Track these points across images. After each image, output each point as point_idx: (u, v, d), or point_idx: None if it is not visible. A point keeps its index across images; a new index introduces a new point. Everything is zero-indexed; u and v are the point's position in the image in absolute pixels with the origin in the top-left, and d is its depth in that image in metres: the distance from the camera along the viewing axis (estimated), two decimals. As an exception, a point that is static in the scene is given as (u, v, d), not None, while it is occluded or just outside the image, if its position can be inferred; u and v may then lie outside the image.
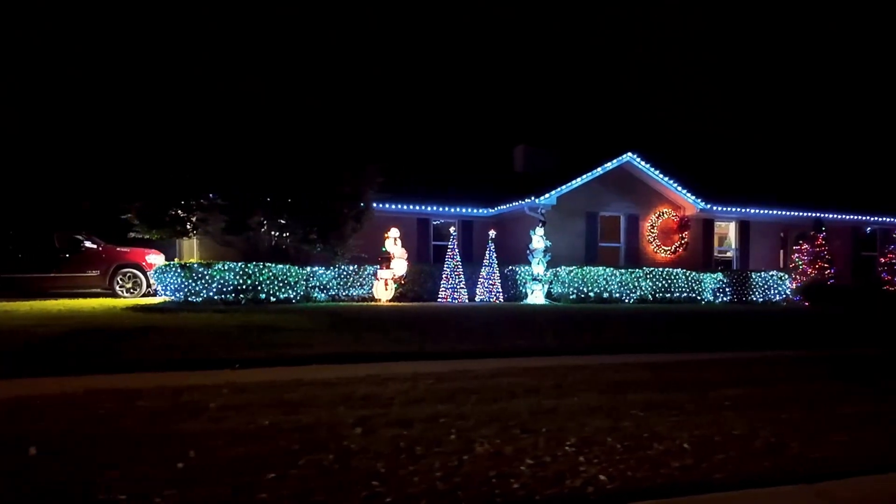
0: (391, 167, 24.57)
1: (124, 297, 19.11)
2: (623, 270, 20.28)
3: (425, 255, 23.97)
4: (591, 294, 19.94)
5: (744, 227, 25.54)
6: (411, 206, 23.45)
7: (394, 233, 19.33)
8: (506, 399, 6.62)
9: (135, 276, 19.06)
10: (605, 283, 20.01)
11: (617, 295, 20.10)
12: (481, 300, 20.53)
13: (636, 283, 20.25)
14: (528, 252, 20.66)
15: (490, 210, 24.04)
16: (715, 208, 24.36)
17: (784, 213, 25.13)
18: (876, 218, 26.89)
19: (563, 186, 22.15)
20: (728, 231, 26.00)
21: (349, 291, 19.09)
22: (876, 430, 5.78)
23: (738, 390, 7.37)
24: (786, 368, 9.18)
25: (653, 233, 23.69)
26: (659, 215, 23.79)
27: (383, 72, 48.65)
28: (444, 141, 32.45)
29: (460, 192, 24.60)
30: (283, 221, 17.71)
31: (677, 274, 20.81)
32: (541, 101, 51.96)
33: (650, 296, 20.35)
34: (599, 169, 22.76)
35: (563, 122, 46.48)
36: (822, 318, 17.27)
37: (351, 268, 19.18)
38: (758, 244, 25.48)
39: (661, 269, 20.77)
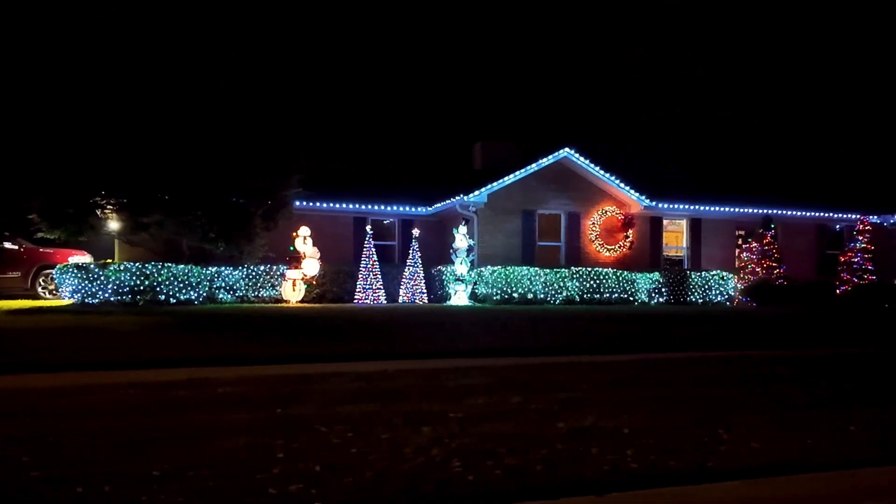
0: (325, 164, 24.07)
1: (46, 299, 18.74)
2: (548, 270, 19.49)
3: (360, 254, 23.29)
4: (516, 295, 19.17)
5: (695, 226, 24.55)
6: (346, 205, 22.81)
7: (304, 231, 18.73)
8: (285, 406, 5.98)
9: (59, 278, 18.68)
10: (528, 283, 19.23)
11: (542, 296, 19.30)
12: (404, 301, 19.88)
13: (562, 284, 19.44)
14: (451, 251, 19.96)
15: (428, 208, 23.34)
16: (661, 205, 23.43)
17: (737, 209, 24.10)
18: (840, 214, 25.74)
19: (495, 184, 21.39)
20: (681, 230, 25.04)
21: (259, 293, 18.51)
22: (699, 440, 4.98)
23: (579, 393, 6.64)
24: (673, 371, 8.39)
25: (595, 231, 22.81)
26: (601, 213, 22.91)
27: (342, 69, 47.89)
28: (404, 139, 31.75)
29: (399, 190, 23.92)
30: (182, 219, 17.17)
31: (607, 274, 19.95)
32: (507, 96, 51.08)
33: (577, 297, 19.52)
34: (534, 165, 21.96)
35: (533, 117, 45.66)
36: (753, 320, 16.38)
37: (261, 268, 18.60)
38: (711, 243, 24.45)
39: (588, 268, 19.95)
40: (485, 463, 4.24)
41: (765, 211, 23.54)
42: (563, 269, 19.60)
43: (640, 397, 6.50)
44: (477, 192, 21.15)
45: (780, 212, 24.85)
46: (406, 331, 12.13)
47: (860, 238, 23.39)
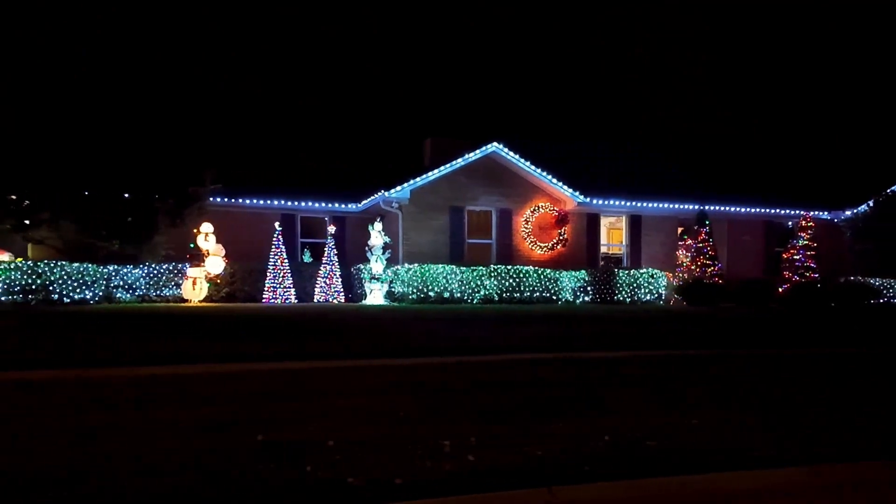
0: (254, 161, 23.45)
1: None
2: (465, 269, 18.84)
3: (292, 252, 22.67)
4: (432, 294, 18.53)
5: (635, 222, 23.87)
6: (273, 201, 22.18)
7: (206, 228, 18.10)
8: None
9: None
10: (444, 282, 18.59)
11: (458, 295, 18.66)
12: (319, 301, 19.26)
13: (479, 283, 18.79)
14: (367, 249, 19.33)
15: (358, 205, 22.71)
16: (596, 201, 22.77)
17: (677, 206, 23.40)
18: (791, 211, 25.02)
19: (418, 179, 20.77)
20: (621, 227, 24.38)
21: (162, 291, 17.91)
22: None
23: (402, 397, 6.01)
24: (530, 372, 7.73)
25: (528, 228, 22.17)
26: (534, 210, 22.26)
27: (303, 66, 47.17)
28: (358, 135, 31.01)
29: (330, 186, 23.27)
30: (77, 217, 16.59)
31: (527, 272, 19.29)
32: (458, 91, 50.39)
33: (496, 296, 18.86)
34: (460, 161, 21.32)
35: (511, 116, 45.03)
36: (657, 319, 15.68)
37: (164, 266, 18.00)
38: (651, 240, 23.78)
39: (508, 266, 19.29)
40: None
41: (699, 207, 22.83)
42: (480, 267, 18.95)
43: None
44: (399, 188, 20.53)
45: (725, 208, 24.19)
46: (256, 331, 11.48)
47: (802, 235, 22.66)
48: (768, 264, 24.78)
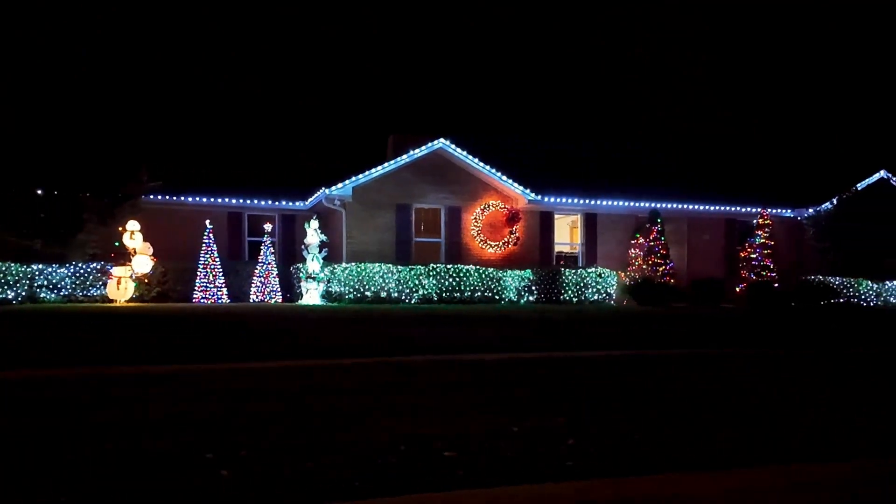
0: (197, 159, 22.99)
1: None
2: (402, 268, 18.37)
3: (238, 251, 22.21)
4: (369, 294, 18.07)
5: (590, 221, 23.35)
6: (219, 199, 21.70)
7: (132, 225, 17.63)
8: None
9: None
10: (381, 281, 18.12)
11: (396, 295, 18.18)
12: (254, 301, 18.81)
13: (417, 282, 18.31)
14: (303, 248, 18.87)
15: (305, 203, 22.23)
16: (549, 199, 22.26)
17: (633, 203, 22.84)
18: (753, 209, 24.46)
19: (360, 176, 20.30)
20: (577, 225, 23.87)
21: (89, 291, 17.44)
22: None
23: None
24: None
25: (477, 227, 21.66)
26: (485, 208, 21.75)
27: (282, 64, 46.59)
28: (319, 132, 30.52)
29: (278, 184, 22.77)
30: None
31: (468, 271, 18.81)
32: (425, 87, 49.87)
33: (435, 296, 18.38)
34: (405, 157, 20.86)
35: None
36: (593, 320, 15.18)
37: (91, 265, 17.54)
38: (608, 239, 23.21)
39: (448, 266, 18.82)
40: None
41: (655, 205, 22.35)
42: (418, 267, 18.48)
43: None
44: (340, 185, 20.06)
45: (685, 206, 23.66)
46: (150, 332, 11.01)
47: (759, 233, 22.17)
48: (730, 263, 24.20)
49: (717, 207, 24.00)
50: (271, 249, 19.13)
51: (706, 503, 3.32)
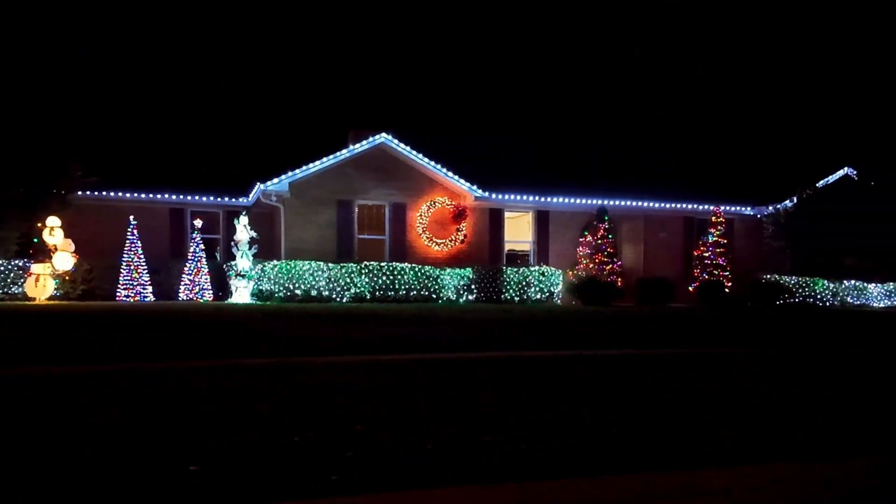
0: (139, 155, 22.44)
1: None
2: (333, 265, 17.83)
3: (181, 248, 21.63)
4: (299, 292, 17.54)
5: (542, 218, 22.78)
6: (158, 195, 21.16)
7: (52, 221, 17.08)
8: None
9: None
10: (312, 279, 17.57)
11: (327, 293, 17.64)
12: (183, 299, 18.26)
13: (349, 280, 17.76)
14: (233, 244, 18.33)
15: (247, 199, 21.68)
16: (497, 196, 21.69)
17: (585, 201, 22.25)
18: (711, 207, 23.85)
19: (298, 171, 19.75)
20: (529, 223, 23.28)
21: (10, 289, 16.93)
22: None
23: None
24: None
25: (423, 224, 21.11)
26: (431, 204, 21.20)
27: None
28: (275, 127, 29.95)
29: (221, 179, 22.16)
30: None
31: (402, 269, 18.26)
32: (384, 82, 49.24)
33: (368, 294, 17.83)
34: (345, 152, 20.34)
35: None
36: (517, 320, 14.63)
37: (12, 262, 17.02)
38: (561, 237, 22.62)
39: (382, 263, 18.28)
40: None
41: (601, 202, 21.78)
42: (350, 264, 17.94)
43: None
44: (276, 181, 19.52)
45: (638, 203, 23.10)
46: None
47: (712, 231, 21.58)
48: (687, 262, 23.62)
49: (674, 205, 23.42)
50: (201, 246, 18.57)
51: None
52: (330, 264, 17.79)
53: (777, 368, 9.08)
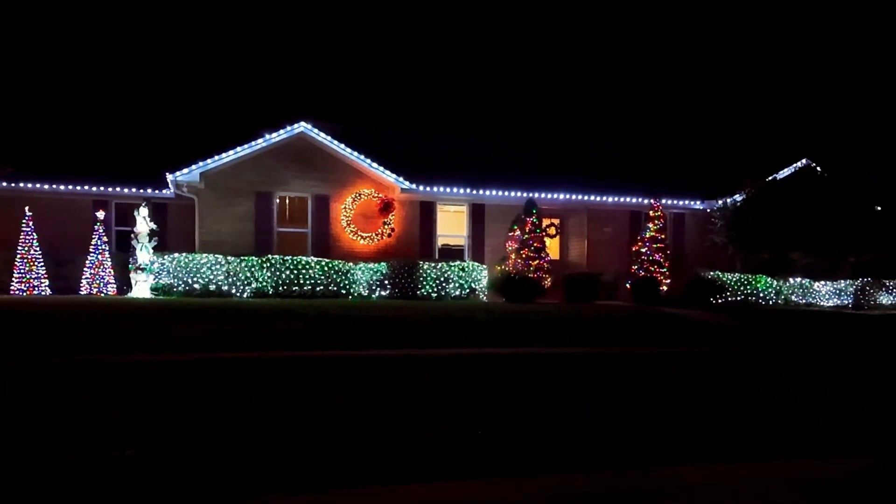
0: (63, 145, 21.87)
1: None
2: (232, 259, 17.08)
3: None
4: (197, 286, 16.81)
5: (477, 212, 21.88)
6: (79, 187, 20.52)
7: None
8: None
9: None
10: (210, 273, 16.85)
11: (226, 288, 16.90)
12: (82, 293, 17.61)
13: (250, 274, 17.01)
14: (132, 237, 17.65)
15: (169, 191, 20.98)
16: (427, 188, 20.84)
17: (521, 194, 21.26)
18: (658, 200, 22.78)
19: (209, 161, 19.04)
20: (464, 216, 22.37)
21: None
22: None
23: None
24: None
25: (348, 216, 20.32)
26: (356, 196, 20.40)
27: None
28: (216, 119, 28.96)
29: (147, 171, 21.47)
30: None
31: (308, 263, 17.46)
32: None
33: (270, 289, 17.06)
34: (261, 141, 19.55)
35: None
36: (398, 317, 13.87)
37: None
38: (496, 231, 21.68)
39: (285, 257, 17.48)
40: None
41: (529, 194, 20.82)
42: (251, 258, 17.17)
43: None
44: (186, 171, 18.83)
45: (581, 197, 22.16)
46: None
47: (650, 225, 20.54)
48: (630, 258, 22.60)
49: (617, 198, 22.42)
50: (104, 239, 17.90)
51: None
52: (229, 258, 17.04)
53: (598, 367, 9.26)
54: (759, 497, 3.88)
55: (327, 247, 20.12)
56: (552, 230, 23.95)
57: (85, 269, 17.73)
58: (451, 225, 22.65)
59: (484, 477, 3.81)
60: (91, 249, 17.82)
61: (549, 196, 21.77)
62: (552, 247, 24.21)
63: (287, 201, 20.37)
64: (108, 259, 17.90)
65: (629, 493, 3.86)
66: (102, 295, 17.51)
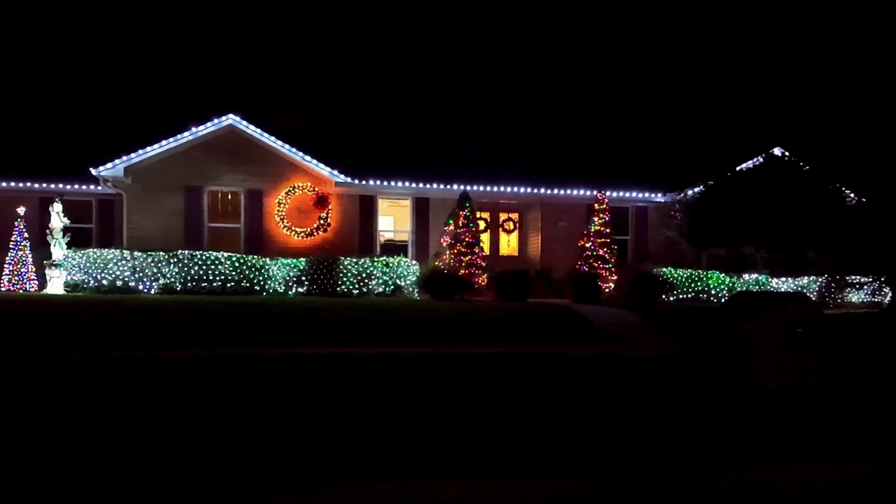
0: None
1: None
2: (139, 254, 16.68)
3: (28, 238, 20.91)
4: (105, 282, 16.49)
5: (421, 207, 21.04)
6: (21, 183, 20.50)
7: None
8: None
9: None
10: (116, 269, 16.49)
11: (133, 283, 16.52)
12: (5, 290, 17.51)
13: (157, 270, 16.58)
14: (47, 232, 17.46)
15: (101, 187, 20.72)
16: (365, 182, 20.11)
17: (463, 187, 20.29)
18: (616, 193, 21.58)
19: (133, 155, 18.70)
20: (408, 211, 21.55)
21: None
22: None
23: None
24: None
25: (282, 211, 19.77)
26: (290, 191, 19.85)
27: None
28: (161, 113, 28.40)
29: (60, 165, 21.02)
30: None
31: (218, 259, 16.93)
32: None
33: (179, 285, 16.61)
34: (188, 134, 19.13)
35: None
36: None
37: None
38: (441, 226, 20.78)
39: (194, 252, 16.99)
40: None
41: (471, 187, 19.89)
42: (158, 253, 16.74)
43: None
44: (110, 165, 18.53)
45: (533, 190, 21.11)
46: None
47: (595, 219, 19.36)
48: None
49: (568, 191, 21.30)
50: (25, 235, 17.76)
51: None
52: (135, 252, 16.65)
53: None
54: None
55: (260, 242, 19.62)
56: (509, 225, 23.06)
57: (5, 265, 17.63)
58: (397, 220, 21.93)
59: None
60: (11, 246, 17.71)
61: (495, 189, 20.84)
62: (511, 243, 23.31)
63: (219, 196, 19.91)
64: (30, 255, 17.76)
65: None
66: (22, 291, 17.38)
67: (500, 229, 22.96)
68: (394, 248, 21.02)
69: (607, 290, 19.17)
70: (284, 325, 12.60)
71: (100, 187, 20.63)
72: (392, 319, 13.41)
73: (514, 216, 22.93)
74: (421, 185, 20.48)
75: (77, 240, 19.42)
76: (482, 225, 22.04)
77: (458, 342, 12.23)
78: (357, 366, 9.76)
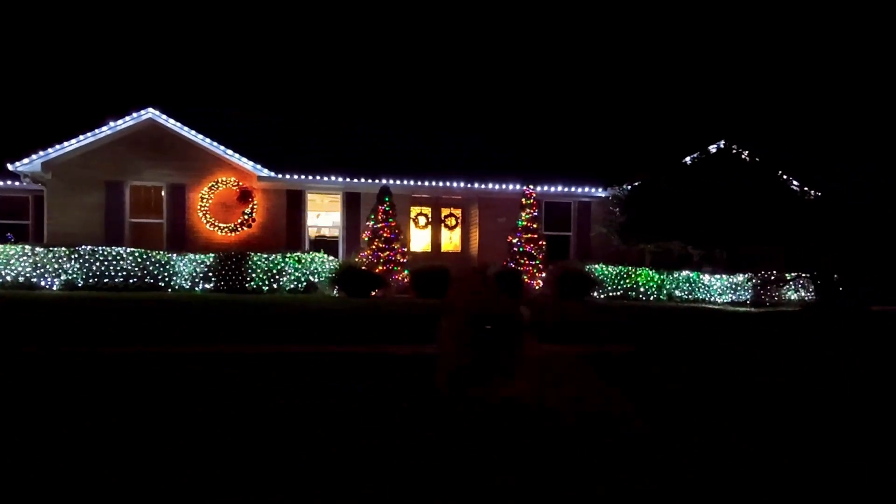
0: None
1: None
2: (40, 249, 16.41)
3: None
4: (9, 278, 16.20)
5: (352, 201, 20.56)
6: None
7: None
8: None
9: None
10: (18, 264, 16.23)
11: (35, 279, 16.24)
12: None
13: (58, 266, 16.29)
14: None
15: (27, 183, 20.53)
16: (291, 176, 19.71)
17: (391, 181, 19.78)
18: (557, 188, 20.92)
19: (51, 150, 18.44)
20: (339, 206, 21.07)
21: None
22: None
23: None
24: None
25: (205, 206, 19.42)
26: (213, 185, 19.49)
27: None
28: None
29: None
30: None
31: (120, 254, 16.59)
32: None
33: (80, 281, 16.30)
34: (106, 129, 18.84)
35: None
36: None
37: None
38: (373, 222, 20.32)
39: (95, 248, 16.65)
40: None
41: (400, 181, 19.36)
42: (60, 249, 16.45)
43: None
44: (26, 161, 18.29)
45: (470, 185, 20.55)
46: None
47: (523, 214, 18.72)
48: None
49: (500, 186, 20.68)
50: (-65, 230, 17.62)
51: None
52: (37, 248, 16.39)
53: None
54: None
55: (184, 238, 19.27)
56: (451, 221, 22.46)
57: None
58: (330, 215, 21.46)
59: None
60: (-80, 242, 17.54)
61: (426, 183, 20.30)
62: (454, 239, 22.72)
63: (142, 191, 19.61)
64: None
65: None
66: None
67: (443, 225, 22.36)
68: (325, 245, 20.55)
69: (537, 286, 18.54)
70: (168, 320, 12.07)
71: (38, 184, 20.47)
72: (280, 315, 12.89)
73: (457, 212, 22.33)
74: (348, 179, 20.01)
75: (17, 236, 19.29)
76: (422, 221, 21.58)
77: (357, 340, 11.58)
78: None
